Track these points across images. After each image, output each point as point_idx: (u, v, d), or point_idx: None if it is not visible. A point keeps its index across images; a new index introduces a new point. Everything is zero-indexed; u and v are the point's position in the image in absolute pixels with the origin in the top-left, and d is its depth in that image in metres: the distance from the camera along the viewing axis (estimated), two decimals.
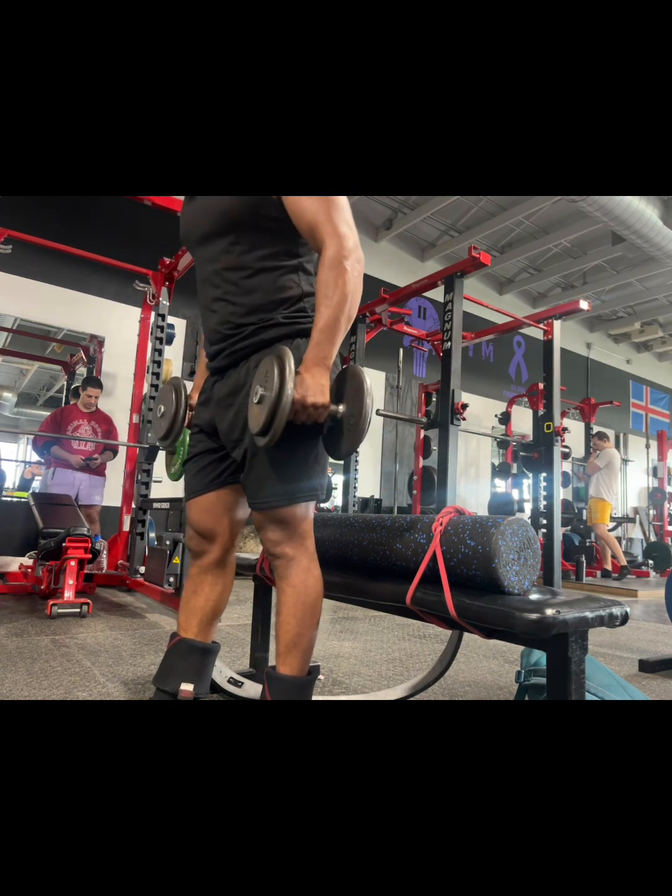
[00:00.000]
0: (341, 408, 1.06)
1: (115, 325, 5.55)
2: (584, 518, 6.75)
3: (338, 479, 7.13)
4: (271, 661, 1.81)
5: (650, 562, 7.07)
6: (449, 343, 3.65)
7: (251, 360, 1.16)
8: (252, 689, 1.65)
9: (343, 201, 1.09)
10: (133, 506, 3.85)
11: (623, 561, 6.14)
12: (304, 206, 1.08)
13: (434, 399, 5.81)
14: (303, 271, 1.19)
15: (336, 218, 1.06)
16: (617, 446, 9.88)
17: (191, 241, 1.26)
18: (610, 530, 6.35)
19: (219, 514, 1.25)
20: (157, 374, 3.82)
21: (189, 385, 1.42)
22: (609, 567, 6.26)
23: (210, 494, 1.25)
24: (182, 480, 1.37)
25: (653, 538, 7.84)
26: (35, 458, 5.83)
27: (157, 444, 1.08)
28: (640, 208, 6.01)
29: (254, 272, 1.16)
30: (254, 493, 1.17)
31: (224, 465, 1.24)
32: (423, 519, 1.17)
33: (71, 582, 2.86)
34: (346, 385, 1.07)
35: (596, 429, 6.94)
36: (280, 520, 1.14)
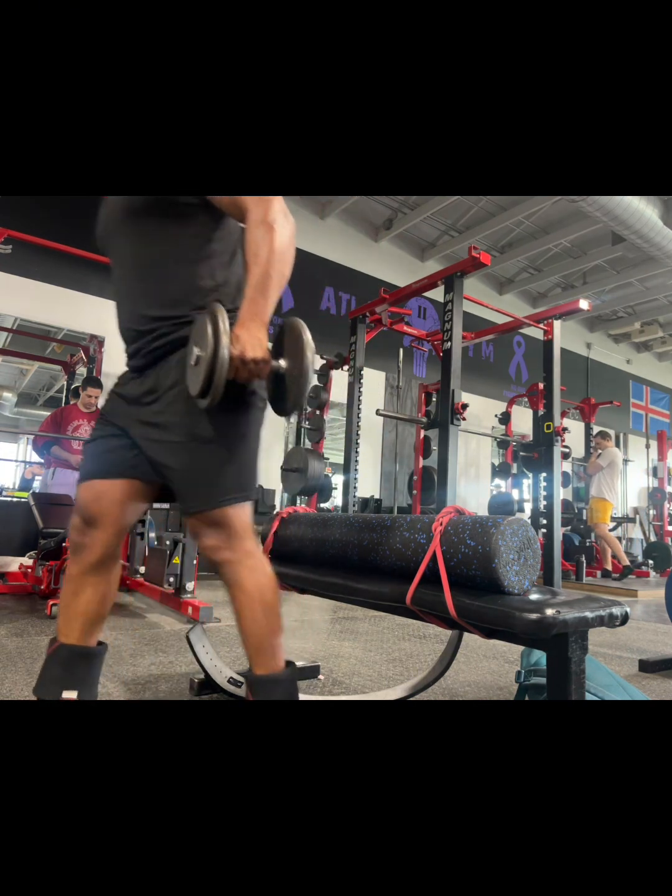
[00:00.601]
0: (283, 363, 1.04)
1: (115, 325, 5.54)
2: (585, 518, 6.75)
3: (338, 479, 7.13)
4: None
5: (650, 562, 7.07)
6: (449, 343, 3.65)
7: (170, 360, 1.13)
8: None
9: None
10: None
11: (625, 561, 6.12)
12: None
13: (434, 399, 5.80)
14: (217, 260, 1.16)
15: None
16: (617, 446, 9.87)
17: (104, 238, 1.23)
18: (610, 530, 6.35)
19: (110, 502, 1.16)
20: None
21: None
22: (609, 567, 6.25)
23: (106, 481, 1.17)
24: None
25: (653, 538, 7.83)
26: (35, 458, 5.82)
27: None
28: (640, 208, 6.00)
29: (165, 264, 1.13)
30: (183, 496, 1.13)
31: (130, 455, 1.16)
32: (422, 519, 1.17)
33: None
34: (285, 339, 1.05)
35: (598, 428, 6.93)
36: (214, 522, 1.11)
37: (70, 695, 1.13)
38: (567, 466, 7.00)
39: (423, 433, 6.07)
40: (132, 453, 1.16)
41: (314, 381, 1.10)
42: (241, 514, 1.13)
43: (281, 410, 1.10)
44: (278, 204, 1.05)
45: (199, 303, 1.12)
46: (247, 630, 1.15)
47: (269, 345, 1.03)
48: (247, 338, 0.99)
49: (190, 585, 2.94)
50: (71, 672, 1.15)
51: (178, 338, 1.12)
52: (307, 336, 1.02)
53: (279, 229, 1.03)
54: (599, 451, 6.32)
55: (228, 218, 1.16)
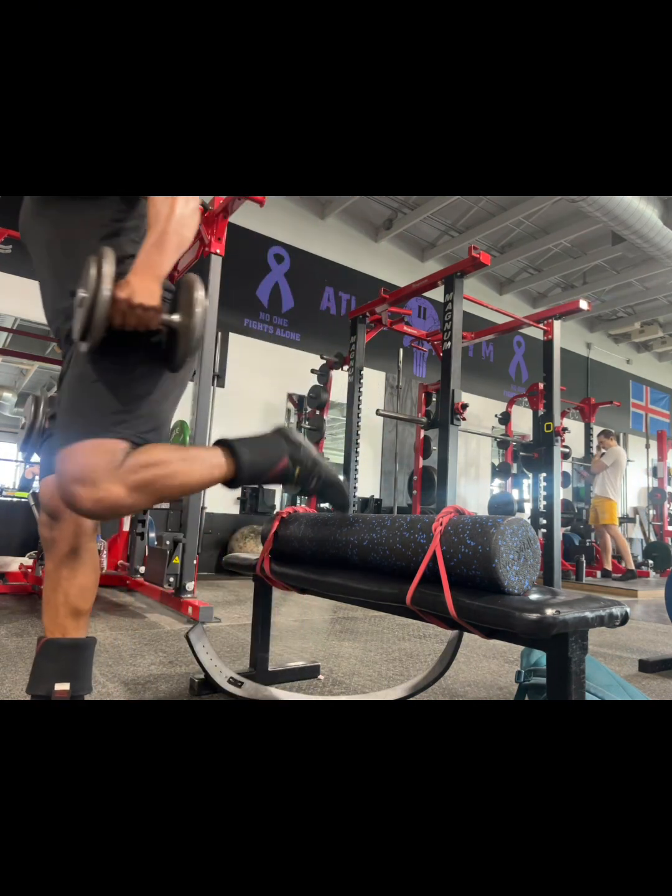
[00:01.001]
0: (175, 317, 1.03)
1: None
2: (584, 518, 6.74)
3: None
4: (271, 662, 1.82)
5: (650, 562, 7.07)
6: (449, 343, 3.65)
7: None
8: (252, 690, 1.65)
9: None
10: None
11: (631, 564, 6.10)
12: None
13: (434, 399, 5.81)
14: (126, 237, 1.16)
15: None
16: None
17: (24, 224, 1.22)
18: None
19: None
20: None
21: None
22: (609, 567, 6.24)
23: None
24: None
25: (653, 538, 7.83)
26: (35, 458, 5.82)
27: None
28: (640, 208, 6.00)
29: (76, 243, 1.13)
30: (58, 431, 1.07)
31: None
32: (422, 519, 1.17)
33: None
34: (179, 295, 1.05)
35: (601, 428, 6.91)
36: (74, 455, 1.01)
37: (62, 687, 1.13)
38: (567, 466, 6.99)
39: (423, 433, 6.07)
40: None
41: (200, 334, 1.09)
42: (109, 446, 1.04)
43: (172, 366, 1.09)
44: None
45: None
46: (81, 589, 1.20)
47: (167, 296, 1.05)
48: (137, 284, 0.98)
49: (190, 585, 2.94)
50: (61, 665, 1.16)
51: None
52: (199, 292, 1.03)
53: (180, 200, 1.04)
54: (603, 450, 6.29)
55: (141, 198, 1.17)
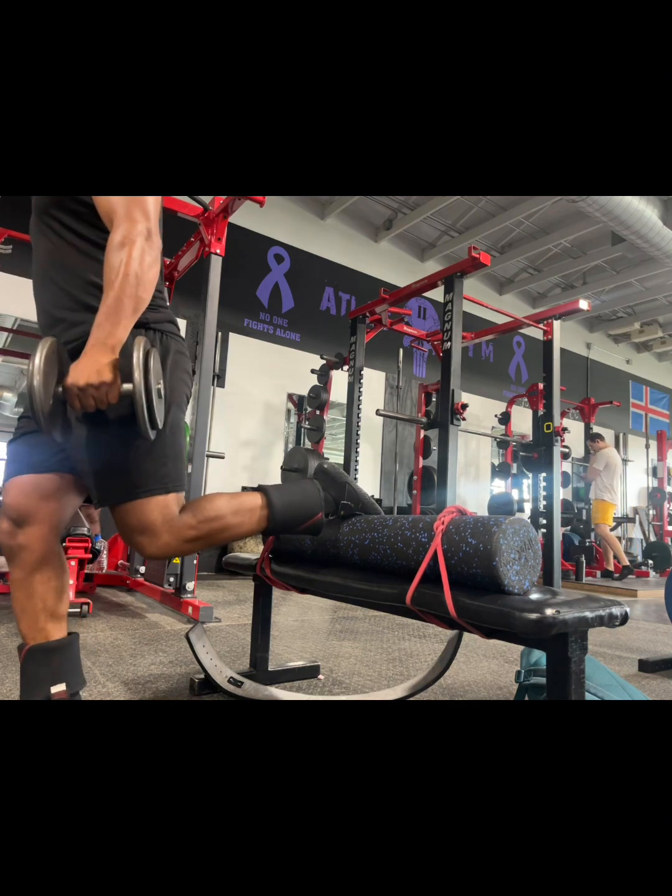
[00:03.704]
0: (129, 385, 1.00)
1: None
2: (584, 518, 6.75)
3: None
4: (271, 662, 1.82)
5: (650, 562, 7.07)
6: (449, 343, 3.65)
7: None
8: (252, 689, 1.65)
9: (148, 198, 1.06)
10: None
11: (625, 561, 6.13)
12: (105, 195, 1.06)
13: (434, 399, 5.81)
14: None
15: (132, 206, 1.03)
16: (617, 446, 9.87)
17: (32, 227, 1.24)
18: (611, 530, 6.34)
19: (40, 498, 1.14)
20: None
21: None
22: (611, 567, 6.25)
23: (33, 476, 1.15)
24: None
25: (653, 538, 7.83)
26: None
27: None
28: (640, 208, 6.00)
29: (64, 261, 1.14)
30: (93, 487, 1.13)
31: (56, 447, 1.14)
32: (424, 518, 1.18)
33: (71, 582, 2.86)
34: (132, 358, 1.02)
35: (606, 427, 6.93)
36: (129, 513, 1.12)
37: (59, 688, 1.13)
38: (567, 466, 7.00)
39: (423, 433, 6.07)
40: (56, 446, 1.13)
41: (155, 399, 1.10)
42: (158, 506, 1.13)
43: (141, 431, 1.05)
44: (142, 224, 1.03)
45: (88, 301, 1.12)
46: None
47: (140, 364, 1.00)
48: (85, 364, 0.96)
49: (190, 585, 2.94)
50: (52, 668, 1.15)
51: (73, 337, 1.12)
52: (138, 353, 0.99)
53: (136, 253, 1.00)
54: (594, 454, 6.34)
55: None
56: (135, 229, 1.02)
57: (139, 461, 1.12)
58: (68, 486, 1.18)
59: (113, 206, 1.05)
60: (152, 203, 1.07)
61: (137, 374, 0.98)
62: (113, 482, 1.12)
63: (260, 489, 1.27)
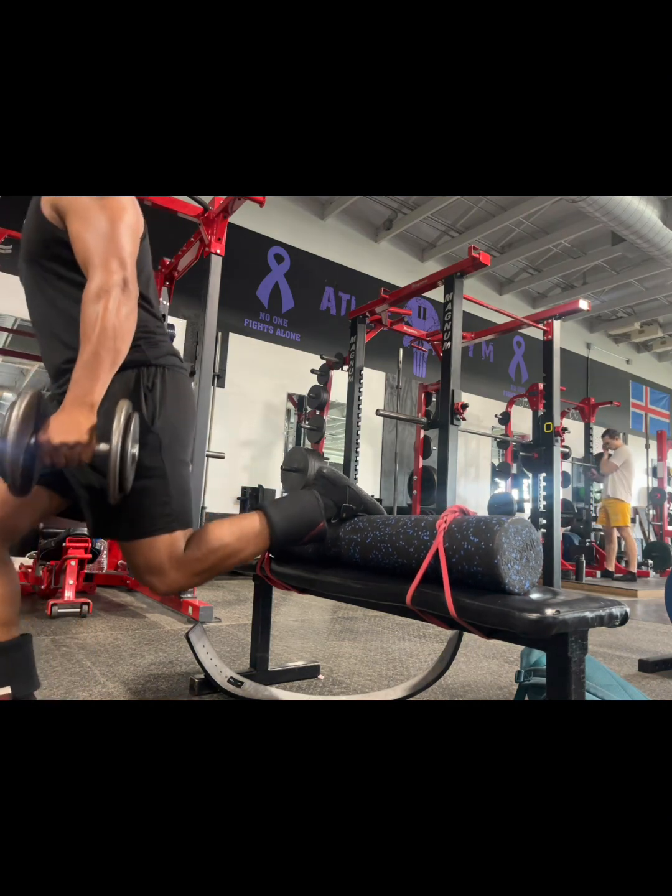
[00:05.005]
0: (103, 446, 0.98)
1: None
2: (584, 518, 6.73)
3: None
4: (271, 662, 1.82)
5: (650, 562, 7.07)
6: (449, 343, 3.66)
7: None
8: (252, 689, 1.65)
9: (123, 236, 1.04)
10: None
11: (635, 567, 6.09)
12: (80, 239, 1.04)
13: (434, 399, 5.81)
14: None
15: (107, 252, 1.01)
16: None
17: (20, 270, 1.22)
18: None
19: (12, 508, 1.12)
20: None
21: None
22: (611, 567, 6.23)
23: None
24: None
25: (653, 538, 7.83)
26: None
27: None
28: (640, 208, 6.01)
29: (55, 311, 1.13)
30: (91, 523, 1.14)
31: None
32: (426, 518, 1.18)
33: (71, 582, 2.87)
34: (112, 420, 0.99)
35: (603, 428, 6.86)
36: (135, 552, 1.13)
37: (3, 692, 1.10)
38: (567, 466, 6.99)
39: (423, 433, 6.07)
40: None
41: (128, 464, 1.01)
42: (161, 545, 1.14)
43: (108, 495, 1.03)
44: (118, 275, 1.01)
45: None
46: None
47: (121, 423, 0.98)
48: (61, 422, 0.95)
49: None
50: None
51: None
52: (120, 419, 0.97)
53: (112, 306, 0.99)
54: (611, 451, 6.23)
55: None
56: (111, 280, 1.00)
57: (142, 503, 1.12)
58: (31, 498, 1.11)
59: (88, 253, 1.03)
60: (129, 248, 1.05)
61: (116, 439, 0.96)
62: (114, 523, 1.12)
63: (258, 509, 1.27)
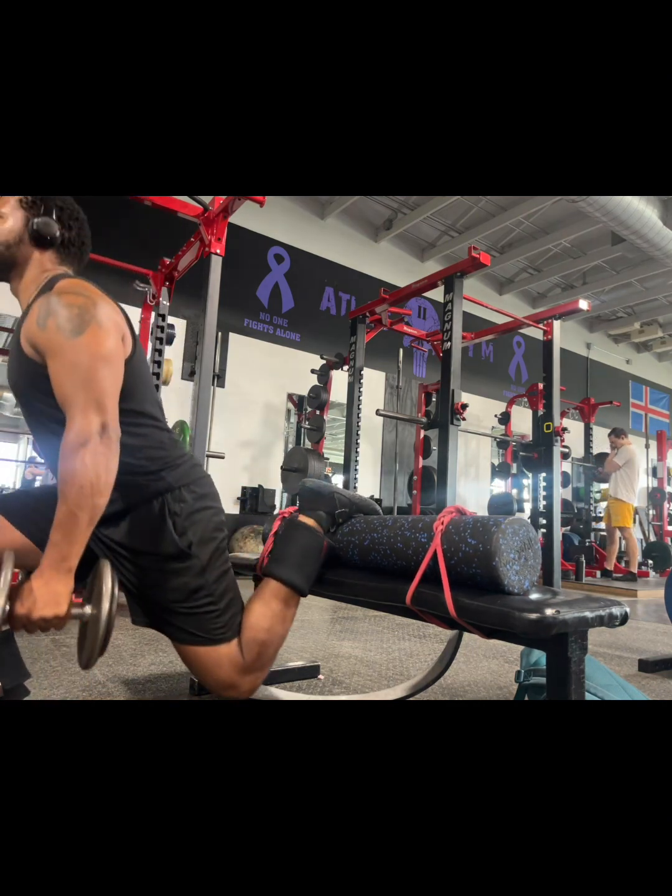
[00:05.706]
0: (87, 609, 0.96)
1: None
2: (584, 518, 6.73)
3: (338, 479, 7.13)
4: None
5: (650, 562, 7.06)
6: (449, 343, 3.65)
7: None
8: None
9: (101, 375, 1.01)
10: None
11: (635, 568, 6.08)
12: (58, 382, 1.01)
13: (434, 399, 5.81)
14: None
15: (85, 398, 0.98)
16: None
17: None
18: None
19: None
20: (157, 375, 3.82)
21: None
22: (611, 567, 6.23)
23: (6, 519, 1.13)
24: None
25: (653, 538, 7.83)
26: (36, 458, 5.82)
27: None
28: (640, 208, 6.01)
29: (51, 441, 1.10)
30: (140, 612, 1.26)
31: (41, 515, 1.11)
32: (423, 518, 1.18)
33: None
34: (93, 584, 0.97)
35: (608, 428, 6.82)
36: (190, 657, 1.19)
37: None
38: (567, 466, 6.99)
39: (422, 433, 6.07)
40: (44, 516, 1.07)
41: (111, 629, 0.99)
42: (224, 656, 1.18)
43: (80, 661, 1.01)
44: (96, 422, 0.97)
45: None
46: None
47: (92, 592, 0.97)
48: (38, 592, 0.93)
49: None
50: None
51: None
52: (106, 583, 0.94)
53: (90, 460, 0.95)
54: (616, 450, 6.19)
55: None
56: (89, 428, 0.97)
57: (198, 622, 1.17)
58: (15, 544, 1.10)
59: (66, 399, 1.00)
60: (109, 388, 1.02)
61: (106, 603, 0.93)
62: (169, 628, 1.20)
63: (268, 576, 1.28)
